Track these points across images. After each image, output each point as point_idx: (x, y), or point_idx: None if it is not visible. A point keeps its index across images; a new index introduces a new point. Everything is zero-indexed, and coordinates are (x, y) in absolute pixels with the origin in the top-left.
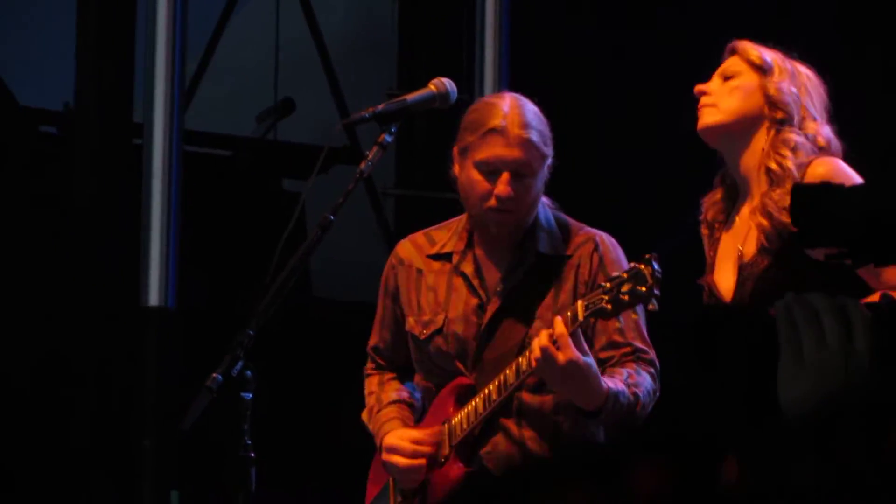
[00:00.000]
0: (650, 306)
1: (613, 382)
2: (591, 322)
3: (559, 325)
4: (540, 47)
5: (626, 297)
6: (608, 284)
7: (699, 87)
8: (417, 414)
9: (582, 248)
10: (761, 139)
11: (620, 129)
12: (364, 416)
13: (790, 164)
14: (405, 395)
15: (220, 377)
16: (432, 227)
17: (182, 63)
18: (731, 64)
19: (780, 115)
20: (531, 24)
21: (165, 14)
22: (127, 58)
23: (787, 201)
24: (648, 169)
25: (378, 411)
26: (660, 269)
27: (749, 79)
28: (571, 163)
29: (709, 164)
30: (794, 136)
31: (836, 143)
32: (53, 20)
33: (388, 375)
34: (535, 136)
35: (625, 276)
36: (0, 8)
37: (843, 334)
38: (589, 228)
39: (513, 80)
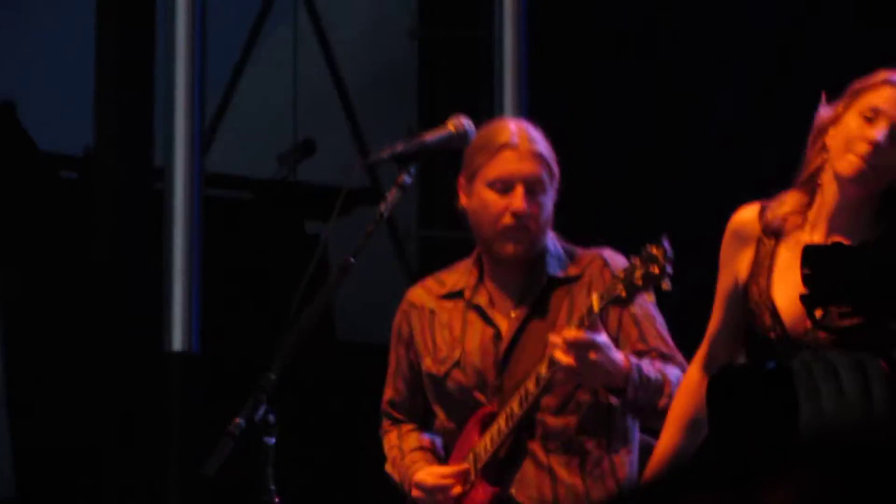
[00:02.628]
0: (664, 285)
1: (633, 357)
2: (608, 313)
3: (571, 331)
4: (559, 84)
5: (640, 282)
6: (622, 274)
7: (872, 140)
8: (441, 462)
9: (591, 266)
10: None
11: (640, 164)
12: (387, 467)
13: None
14: (427, 442)
15: (242, 422)
16: (441, 271)
17: (201, 105)
18: None
19: None
20: (551, 61)
21: (184, 57)
22: (146, 101)
23: None
24: (665, 210)
25: (402, 458)
26: (670, 249)
27: None
28: (587, 198)
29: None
30: None
31: None
32: (72, 65)
33: (407, 427)
34: (545, 151)
35: (637, 262)
36: (18, 53)
37: (861, 388)
38: (593, 249)
39: (532, 118)
